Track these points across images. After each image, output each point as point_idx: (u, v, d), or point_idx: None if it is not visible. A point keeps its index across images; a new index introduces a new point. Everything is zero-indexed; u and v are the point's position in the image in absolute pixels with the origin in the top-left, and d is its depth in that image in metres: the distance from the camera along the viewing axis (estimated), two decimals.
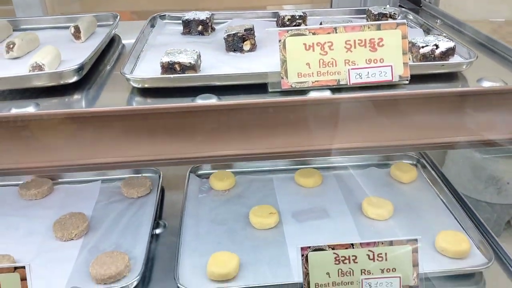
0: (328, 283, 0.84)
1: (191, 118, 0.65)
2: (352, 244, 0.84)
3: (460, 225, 1.00)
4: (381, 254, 0.84)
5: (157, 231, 1.04)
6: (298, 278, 0.84)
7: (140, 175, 1.19)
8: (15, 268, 0.81)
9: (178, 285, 0.86)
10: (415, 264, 0.85)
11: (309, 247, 0.83)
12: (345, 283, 0.84)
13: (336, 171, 1.22)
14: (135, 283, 0.86)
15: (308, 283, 0.84)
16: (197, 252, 0.95)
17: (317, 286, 0.84)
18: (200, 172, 1.22)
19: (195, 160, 0.68)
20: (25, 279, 0.81)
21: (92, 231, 1.03)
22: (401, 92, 0.67)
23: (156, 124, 0.65)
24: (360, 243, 0.84)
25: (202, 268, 0.90)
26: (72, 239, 1.00)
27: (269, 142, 0.67)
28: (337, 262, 0.84)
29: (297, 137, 0.67)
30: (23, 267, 0.81)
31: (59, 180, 1.20)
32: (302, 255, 0.84)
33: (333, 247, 0.84)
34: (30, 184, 1.16)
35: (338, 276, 0.84)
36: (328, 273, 0.84)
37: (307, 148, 0.68)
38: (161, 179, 1.17)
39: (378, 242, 0.84)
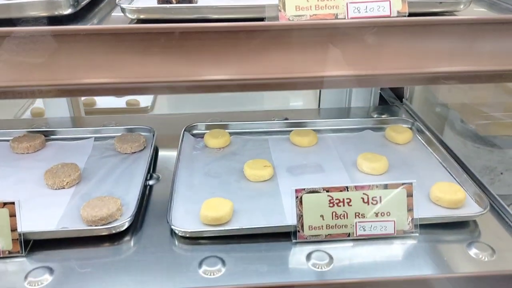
0: (322, 226, 0.84)
1: (185, 41, 0.64)
2: (347, 187, 0.83)
3: (456, 179, 1.00)
4: (375, 197, 0.84)
5: (151, 182, 1.03)
6: (292, 223, 0.84)
7: (134, 133, 1.18)
8: (4, 204, 0.80)
9: (172, 227, 0.85)
10: (410, 209, 0.84)
11: (304, 189, 0.83)
12: (339, 226, 0.84)
13: (331, 134, 1.21)
14: (126, 224, 0.85)
15: (302, 225, 0.84)
16: (190, 200, 0.94)
17: (310, 228, 0.84)
18: (195, 131, 1.21)
19: (188, 83, 0.67)
20: (14, 216, 0.80)
21: (84, 181, 1.01)
22: (399, 19, 0.67)
23: (149, 45, 0.64)
24: (355, 186, 0.83)
25: (195, 213, 0.89)
26: (64, 188, 0.98)
27: (263, 66, 0.66)
28: (331, 205, 0.83)
29: (291, 63, 0.67)
30: (13, 203, 0.80)
31: (51, 136, 1.19)
32: (297, 197, 0.83)
33: (327, 190, 0.83)
34: (22, 138, 1.15)
35: (332, 218, 0.84)
36: (322, 216, 0.84)
37: (301, 75, 0.67)
38: (155, 137, 1.16)
39: (372, 185, 0.83)
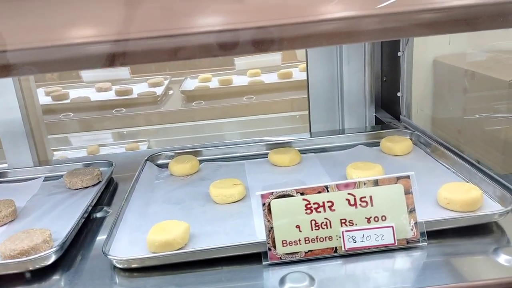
0: (300, 239, 0.65)
1: None
2: (327, 187, 0.65)
3: (467, 181, 0.81)
4: (364, 197, 0.65)
5: (98, 215, 0.86)
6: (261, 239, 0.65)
7: (88, 167, 1.03)
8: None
9: (109, 257, 0.66)
10: (411, 210, 0.65)
11: (271, 193, 0.65)
12: (321, 238, 0.65)
13: (318, 153, 1.04)
14: (53, 256, 0.67)
15: (273, 241, 0.64)
16: (139, 229, 0.75)
17: (285, 244, 0.64)
18: (159, 161, 1.05)
19: None
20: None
21: (19, 219, 0.84)
22: None
23: None
24: (337, 185, 0.65)
25: (143, 243, 0.71)
26: None
27: None
28: (308, 211, 0.65)
29: None
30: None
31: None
32: (263, 204, 0.65)
33: (302, 192, 0.65)
34: None
35: (312, 229, 0.65)
36: (298, 226, 0.65)
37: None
38: (112, 169, 1.00)
39: (359, 182, 0.65)
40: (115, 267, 0.68)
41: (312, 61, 1.36)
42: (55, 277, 0.68)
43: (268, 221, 0.64)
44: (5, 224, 0.82)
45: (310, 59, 1.36)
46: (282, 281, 0.60)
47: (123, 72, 2.15)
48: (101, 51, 0.49)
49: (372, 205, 0.64)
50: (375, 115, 1.33)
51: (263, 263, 0.64)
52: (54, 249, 0.67)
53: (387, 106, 1.36)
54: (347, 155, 1.01)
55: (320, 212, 0.64)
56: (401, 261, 0.63)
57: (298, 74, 2.00)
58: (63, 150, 1.72)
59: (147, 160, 1.02)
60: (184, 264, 0.66)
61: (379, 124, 1.28)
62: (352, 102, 1.33)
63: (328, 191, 0.65)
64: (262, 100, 1.77)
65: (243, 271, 0.64)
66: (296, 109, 1.77)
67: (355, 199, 0.65)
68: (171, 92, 1.99)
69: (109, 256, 0.66)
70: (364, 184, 0.65)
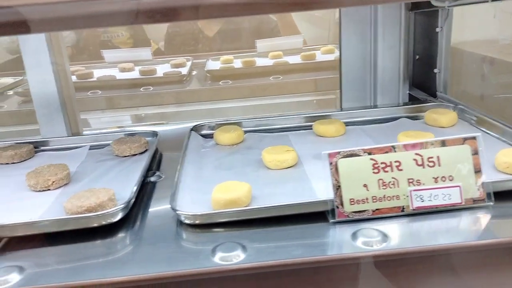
0: (367, 198, 0.65)
1: None
2: (394, 147, 0.66)
3: None
4: (432, 158, 0.66)
5: (152, 179, 0.86)
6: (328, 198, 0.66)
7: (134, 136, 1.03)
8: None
9: (178, 212, 0.67)
10: (478, 170, 0.66)
11: (339, 152, 0.66)
12: (388, 198, 0.65)
13: (361, 126, 1.05)
14: (120, 214, 0.68)
15: (341, 199, 0.65)
16: (199, 191, 0.76)
17: (352, 202, 0.65)
18: (203, 131, 1.06)
19: None
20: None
21: (73, 183, 0.85)
22: None
23: None
24: (404, 145, 0.66)
25: (205, 202, 0.72)
26: (49, 189, 0.82)
27: None
28: (376, 171, 0.66)
29: None
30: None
31: (41, 148, 1.05)
32: (331, 163, 0.65)
33: (369, 152, 0.66)
34: (7, 147, 1.00)
35: (379, 188, 0.66)
36: (365, 185, 0.66)
37: None
38: (157, 139, 1.01)
39: (427, 142, 0.66)
40: (181, 223, 0.69)
41: (346, 39, 1.36)
42: (121, 234, 0.69)
43: (336, 180, 0.65)
44: (60, 186, 0.83)
45: (343, 37, 1.36)
46: (354, 236, 0.61)
47: (145, 53, 2.16)
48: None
49: (439, 165, 0.65)
50: (409, 93, 1.33)
51: (330, 221, 0.65)
52: (122, 205, 0.68)
53: (420, 84, 1.36)
54: (392, 126, 1.01)
55: (387, 171, 0.65)
56: (468, 220, 0.64)
57: (320, 56, 2.01)
58: (92, 128, 1.73)
59: (192, 130, 1.03)
60: (248, 221, 0.67)
61: (414, 101, 1.29)
62: (385, 80, 1.33)
63: (395, 151, 0.65)
64: (288, 80, 1.77)
65: (310, 228, 0.65)
66: (323, 89, 1.78)
67: (422, 159, 0.65)
68: (194, 72, 2.00)
69: (178, 212, 0.67)
70: (432, 144, 0.66)
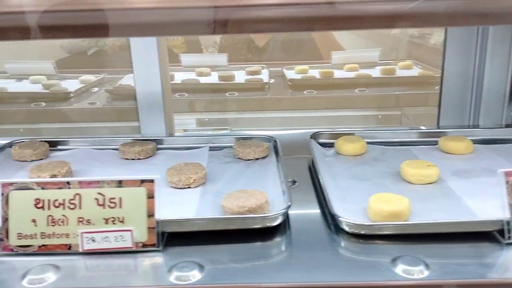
0: None
1: None
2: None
3: None
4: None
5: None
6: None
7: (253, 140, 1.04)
8: (142, 181, 0.65)
9: (340, 219, 0.67)
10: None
11: None
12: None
13: (482, 144, 1.02)
14: (280, 218, 0.68)
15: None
16: (345, 200, 0.76)
17: None
18: (320, 140, 1.05)
19: None
20: (152, 197, 0.65)
21: (210, 182, 0.86)
22: None
23: None
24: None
25: (358, 211, 0.71)
26: (189, 187, 0.83)
27: None
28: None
29: None
30: (152, 181, 0.65)
31: (159, 146, 1.06)
32: (507, 182, 0.63)
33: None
34: (134, 143, 1.02)
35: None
36: None
37: None
38: (278, 144, 1.01)
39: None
40: (338, 231, 0.68)
41: (450, 56, 1.34)
42: (277, 238, 0.69)
43: None
44: (199, 185, 0.84)
45: (448, 54, 1.34)
46: None
47: (220, 59, 2.19)
48: None
49: None
50: None
51: (505, 242, 0.63)
52: (283, 210, 0.68)
53: None
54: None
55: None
56: None
57: (398, 71, 1.99)
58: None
59: (311, 137, 1.03)
60: (403, 235, 0.65)
61: None
62: (490, 100, 1.30)
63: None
64: (373, 94, 1.76)
65: (479, 247, 0.63)
66: (407, 105, 1.76)
67: None
68: (272, 80, 2.01)
69: (341, 219, 0.66)
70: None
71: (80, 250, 0.63)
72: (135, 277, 0.61)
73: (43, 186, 0.63)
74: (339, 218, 0.67)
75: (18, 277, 0.59)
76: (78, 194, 0.63)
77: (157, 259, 0.63)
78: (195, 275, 0.59)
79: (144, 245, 0.64)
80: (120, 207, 0.64)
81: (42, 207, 0.63)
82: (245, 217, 0.67)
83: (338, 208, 0.72)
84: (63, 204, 0.63)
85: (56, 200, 0.63)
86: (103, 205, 0.63)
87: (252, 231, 0.67)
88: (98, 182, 0.64)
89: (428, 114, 1.80)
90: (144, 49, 1.29)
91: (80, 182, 0.64)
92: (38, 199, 0.63)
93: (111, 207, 0.63)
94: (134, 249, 0.64)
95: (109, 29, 0.51)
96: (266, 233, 0.69)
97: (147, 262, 0.63)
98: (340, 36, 2.47)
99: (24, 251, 0.64)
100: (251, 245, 0.66)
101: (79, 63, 2.50)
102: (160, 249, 0.64)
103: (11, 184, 0.63)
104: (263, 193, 0.73)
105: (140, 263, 0.63)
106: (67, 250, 0.64)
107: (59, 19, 0.50)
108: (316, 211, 0.77)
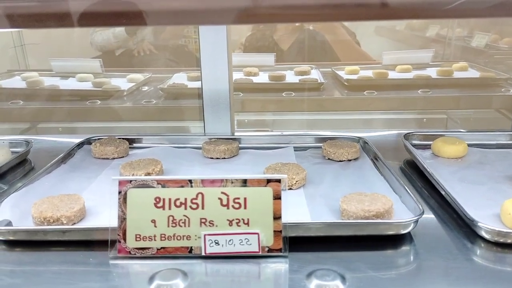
0: None
1: None
2: None
3: None
4: None
5: None
6: None
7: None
8: (268, 181, 0.60)
9: (480, 224, 0.61)
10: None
11: None
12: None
13: None
14: (412, 225, 0.62)
15: None
16: (470, 205, 0.69)
17: None
18: (413, 141, 0.99)
19: None
20: (279, 198, 0.60)
21: (310, 185, 0.80)
22: None
23: None
24: None
25: (489, 217, 0.65)
26: (291, 188, 0.78)
27: None
28: None
29: None
30: (278, 181, 0.60)
31: (239, 145, 1.02)
32: None
33: None
34: (217, 141, 0.98)
35: None
36: None
37: None
38: (364, 145, 0.96)
39: None
40: (470, 237, 0.62)
41: None
42: (405, 246, 0.63)
43: None
44: (300, 187, 0.79)
45: None
46: None
47: (268, 58, 2.14)
48: None
49: None
50: None
51: None
52: (416, 217, 0.62)
53: None
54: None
55: None
56: None
57: (456, 73, 1.92)
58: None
59: (404, 138, 0.97)
60: None
61: None
62: None
63: None
64: (437, 95, 1.69)
65: None
66: (470, 107, 1.69)
67: None
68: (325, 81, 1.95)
69: (480, 224, 0.61)
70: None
71: (203, 254, 0.58)
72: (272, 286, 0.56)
73: (163, 184, 0.59)
74: (479, 224, 0.61)
75: (145, 282, 0.55)
76: (200, 193, 0.58)
77: (283, 265, 0.58)
78: (338, 285, 0.53)
79: (270, 250, 0.59)
80: (245, 208, 0.59)
81: (163, 207, 0.58)
82: (378, 222, 0.61)
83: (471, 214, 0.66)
84: (184, 203, 0.58)
85: (177, 199, 0.58)
86: (227, 205, 0.58)
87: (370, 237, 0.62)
88: (221, 180, 0.59)
89: (480, 118, 1.74)
90: (213, 48, 1.25)
91: (202, 181, 0.59)
92: (158, 197, 0.58)
93: (236, 208, 0.58)
94: (260, 254, 0.59)
95: (144, 16, 0.46)
96: (389, 240, 0.64)
97: (275, 268, 0.58)
98: (360, 36, 2.38)
99: (142, 253, 0.59)
100: (382, 253, 0.61)
101: (108, 62, 2.46)
102: (286, 255, 0.59)
103: (130, 181, 0.59)
104: (386, 197, 0.67)
105: (271, 270, 0.57)
106: (188, 253, 0.59)
107: (98, 5, 0.46)
108: (431, 216, 0.71)
